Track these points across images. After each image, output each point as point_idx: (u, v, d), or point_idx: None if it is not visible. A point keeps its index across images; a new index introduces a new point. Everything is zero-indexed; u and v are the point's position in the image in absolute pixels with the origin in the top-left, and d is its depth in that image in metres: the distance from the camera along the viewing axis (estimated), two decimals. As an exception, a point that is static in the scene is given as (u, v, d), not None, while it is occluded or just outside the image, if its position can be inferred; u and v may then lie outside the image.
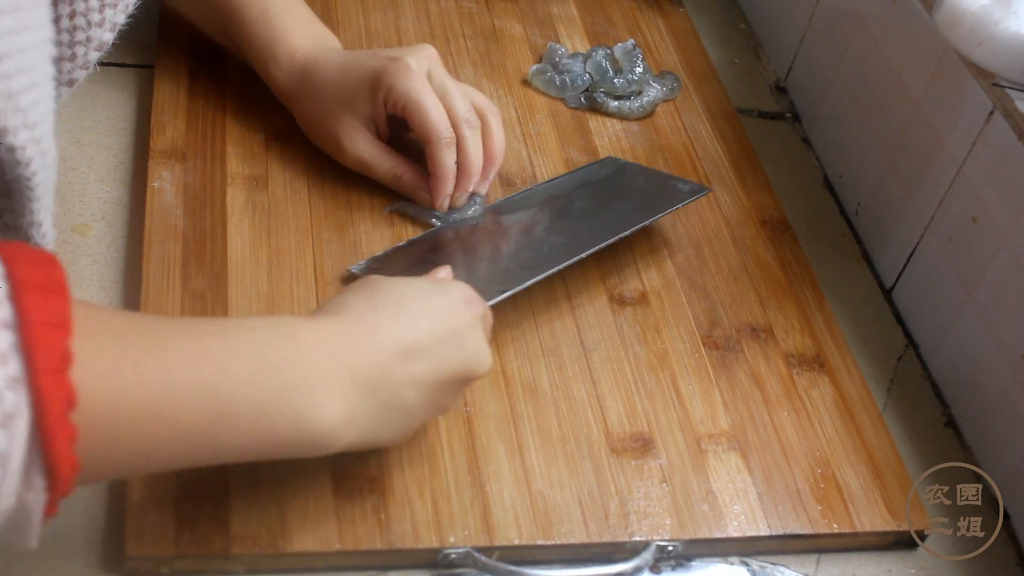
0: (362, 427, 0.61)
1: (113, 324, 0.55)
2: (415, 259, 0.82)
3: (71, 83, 0.72)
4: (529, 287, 0.78)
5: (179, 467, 0.59)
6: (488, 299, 0.72)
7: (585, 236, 0.83)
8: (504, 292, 0.77)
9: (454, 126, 0.83)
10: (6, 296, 0.47)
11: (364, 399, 0.61)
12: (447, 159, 0.83)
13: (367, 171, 0.86)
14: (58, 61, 0.69)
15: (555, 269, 0.80)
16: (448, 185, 0.84)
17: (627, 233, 0.84)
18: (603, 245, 0.82)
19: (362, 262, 0.81)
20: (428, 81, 0.83)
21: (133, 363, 0.53)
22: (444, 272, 0.74)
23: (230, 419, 0.56)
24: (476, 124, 0.84)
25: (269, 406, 0.57)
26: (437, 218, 0.85)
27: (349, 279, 0.80)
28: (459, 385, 0.67)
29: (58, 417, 0.47)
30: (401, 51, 0.85)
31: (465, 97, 0.85)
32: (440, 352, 0.64)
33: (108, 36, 0.71)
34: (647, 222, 0.86)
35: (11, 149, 0.54)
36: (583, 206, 0.89)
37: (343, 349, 0.61)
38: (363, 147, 0.85)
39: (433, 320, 0.65)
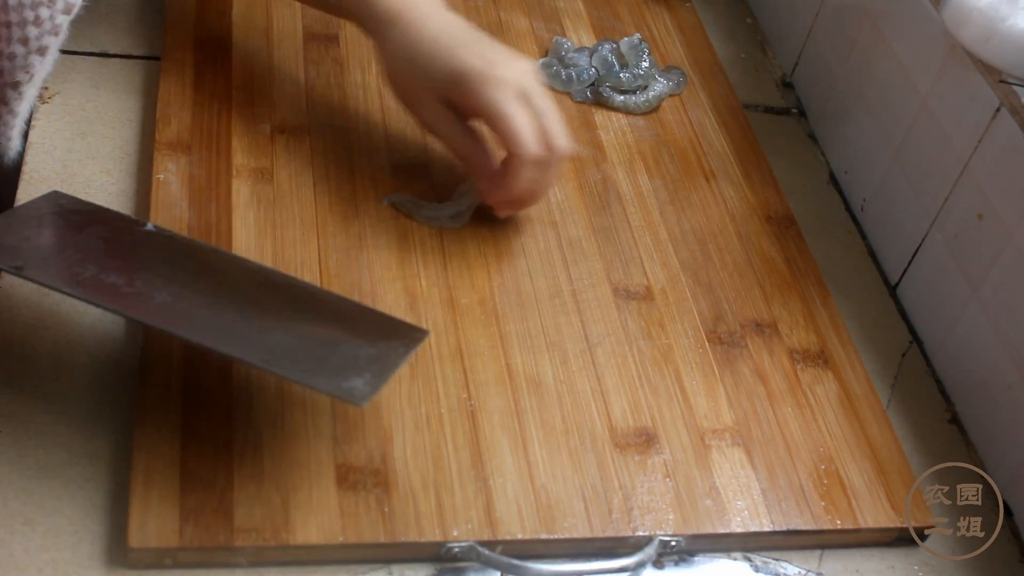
0: None
1: None
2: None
3: (41, 51, 0.71)
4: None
5: None
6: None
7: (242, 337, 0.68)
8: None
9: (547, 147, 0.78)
10: None
11: None
12: (524, 176, 0.78)
13: (438, 139, 0.85)
14: (23, 25, 0.70)
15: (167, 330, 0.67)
16: (506, 198, 0.81)
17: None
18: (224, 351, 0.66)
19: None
20: (520, 97, 0.78)
21: None
22: None
23: None
24: (562, 154, 0.79)
25: None
26: (428, 218, 0.84)
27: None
28: None
29: None
30: (497, 54, 0.80)
31: (562, 123, 0.79)
32: None
33: None
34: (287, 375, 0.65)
35: None
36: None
37: None
38: (437, 119, 0.82)
39: None
